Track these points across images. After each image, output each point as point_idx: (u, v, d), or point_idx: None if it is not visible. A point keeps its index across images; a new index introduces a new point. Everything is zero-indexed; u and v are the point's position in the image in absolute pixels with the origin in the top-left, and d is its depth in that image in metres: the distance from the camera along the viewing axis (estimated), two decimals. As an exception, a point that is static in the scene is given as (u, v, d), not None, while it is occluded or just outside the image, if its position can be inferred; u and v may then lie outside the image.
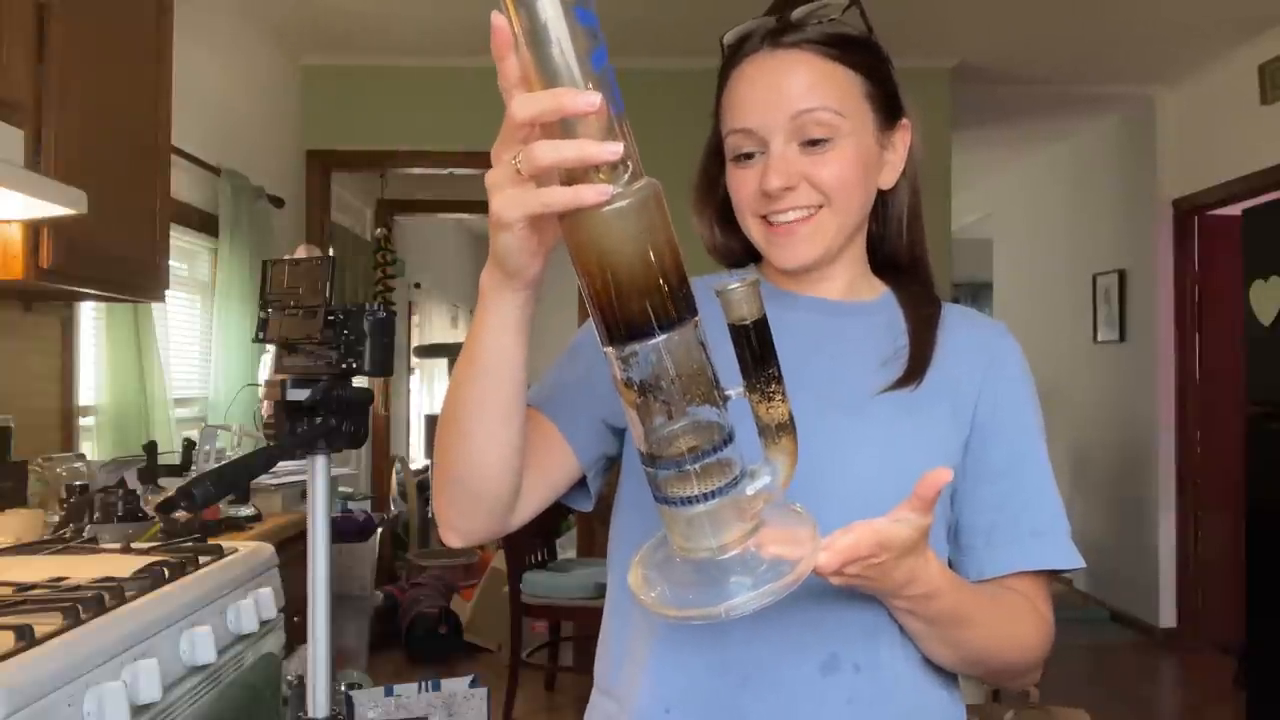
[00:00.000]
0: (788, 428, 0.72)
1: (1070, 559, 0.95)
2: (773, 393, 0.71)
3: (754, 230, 0.97)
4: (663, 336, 0.65)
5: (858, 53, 0.94)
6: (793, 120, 0.91)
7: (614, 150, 0.62)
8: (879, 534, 0.77)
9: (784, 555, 0.71)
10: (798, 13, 0.93)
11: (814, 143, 0.92)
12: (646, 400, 0.66)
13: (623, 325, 0.65)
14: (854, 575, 0.78)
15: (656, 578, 0.71)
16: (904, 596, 0.83)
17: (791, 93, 0.91)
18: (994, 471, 0.95)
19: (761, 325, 0.70)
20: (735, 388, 0.70)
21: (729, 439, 0.69)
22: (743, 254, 1.05)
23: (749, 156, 0.94)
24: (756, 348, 0.70)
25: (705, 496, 0.68)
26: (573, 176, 0.64)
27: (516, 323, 0.78)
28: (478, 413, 0.83)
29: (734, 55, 0.96)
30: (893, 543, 0.77)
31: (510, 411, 0.83)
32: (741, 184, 0.95)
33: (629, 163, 0.64)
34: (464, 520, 0.90)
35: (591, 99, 0.61)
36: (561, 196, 0.64)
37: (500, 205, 0.68)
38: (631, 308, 0.64)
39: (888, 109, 0.96)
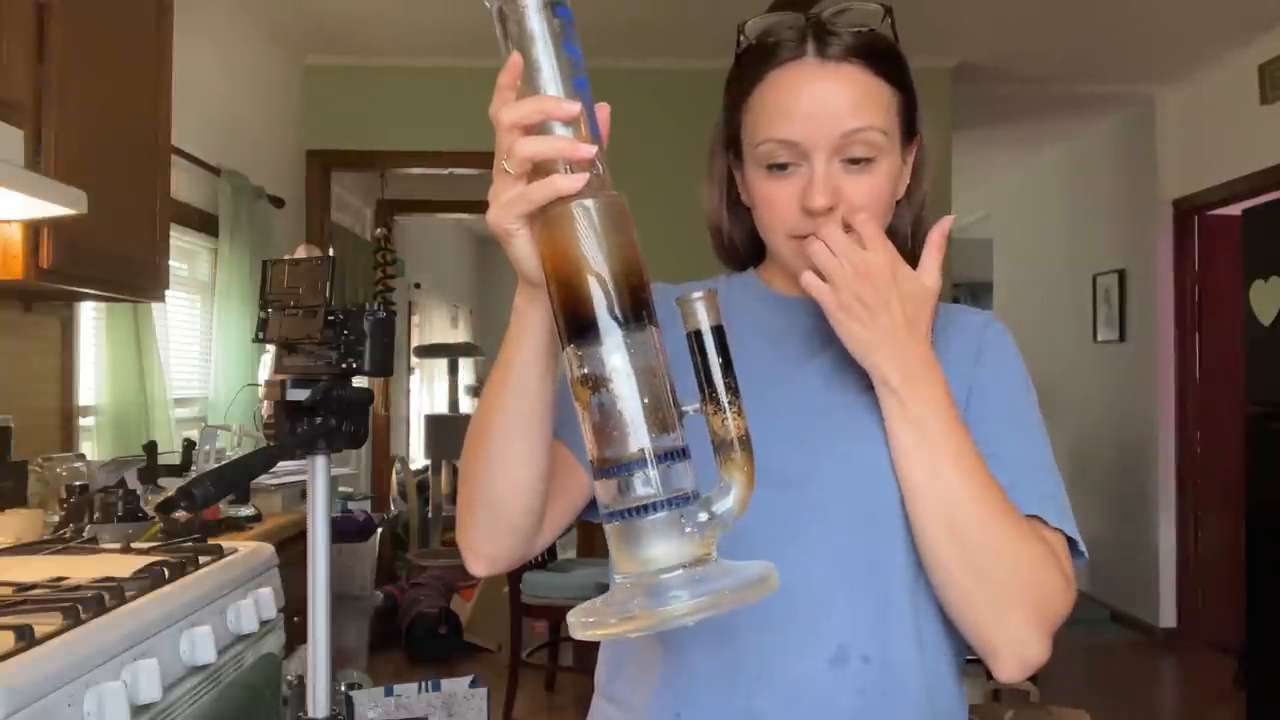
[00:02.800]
0: (744, 444, 0.70)
1: (1062, 519, 0.91)
2: (728, 404, 0.70)
3: (784, 249, 0.94)
4: (614, 338, 0.65)
5: (895, 66, 0.93)
6: (841, 139, 0.89)
7: (589, 149, 0.67)
8: (898, 256, 0.88)
9: (732, 579, 0.65)
10: (829, 11, 0.90)
11: (855, 160, 0.90)
12: (599, 402, 0.66)
13: (575, 320, 0.66)
14: (870, 282, 0.86)
15: (594, 608, 0.68)
16: (906, 364, 0.87)
17: (840, 110, 0.89)
18: (989, 439, 0.92)
19: (718, 334, 0.70)
20: (692, 404, 0.69)
21: (683, 453, 0.67)
22: (744, 244, 1.04)
23: (783, 167, 0.92)
24: (713, 357, 0.70)
25: (654, 507, 0.65)
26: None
27: (548, 335, 0.79)
28: (507, 431, 0.83)
29: (769, 56, 0.92)
30: (904, 270, 0.87)
31: (539, 428, 0.83)
32: (776, 197, 0.93)
33: (600, 173, 0.68)
34: (490, 545, 0.90)
35: (572, 106, 0.66)
36: (541, 187, 0.67)
37: (494, 215, 0.72)
38: (584, 302, 0.65)
39: (910, 123, 0.96)
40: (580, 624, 0.66)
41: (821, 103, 0.90)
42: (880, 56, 0.92)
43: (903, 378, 0.87)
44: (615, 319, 0.65)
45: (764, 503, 0.84)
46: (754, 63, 0.94)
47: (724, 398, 0.70)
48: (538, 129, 0.68)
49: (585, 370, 0.66)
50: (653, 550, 0.66)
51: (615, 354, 0.65)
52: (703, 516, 0.67)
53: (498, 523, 0.88)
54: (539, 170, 0.68)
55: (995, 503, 0.86)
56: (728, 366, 0.71)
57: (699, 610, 0.63)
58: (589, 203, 0.66)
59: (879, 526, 0.90)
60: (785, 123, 0.91)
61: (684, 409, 0.68)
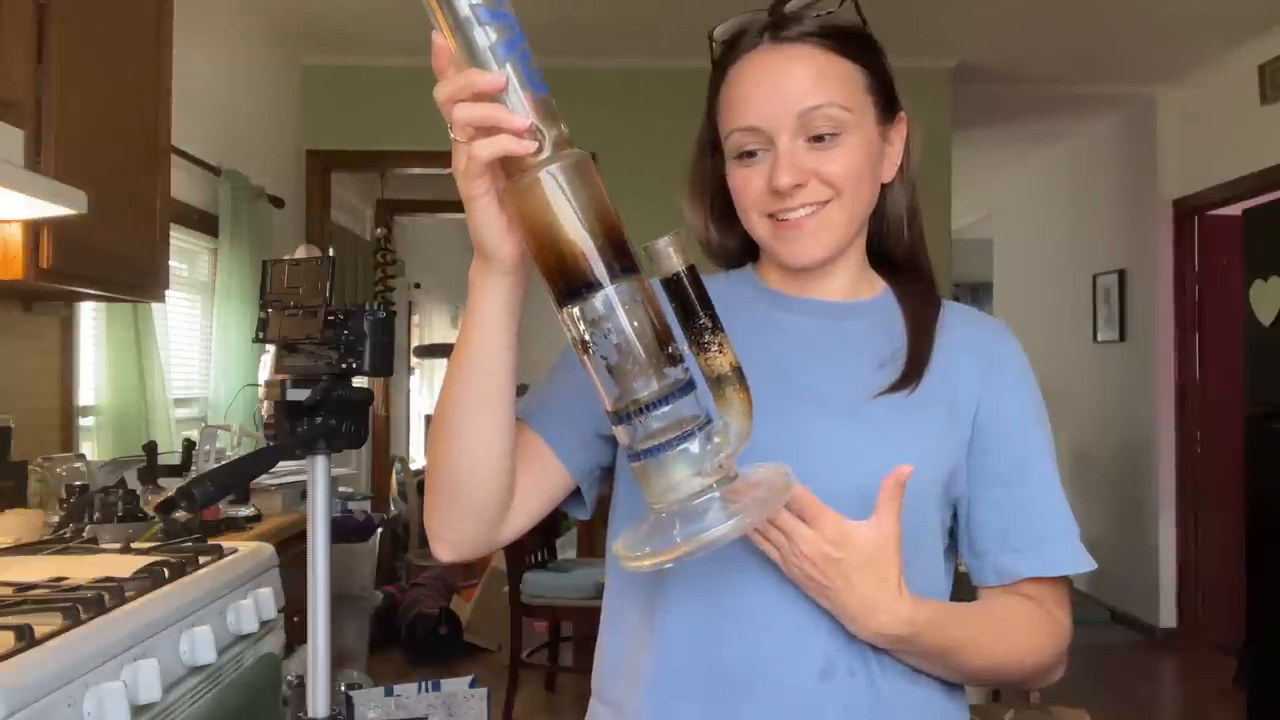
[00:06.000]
0: (732, 379, 0.73)
1: (1082, 562, 0.95)
2: (708, 343, 0.73)
3: (759, 228, 0.95)
4: (606, 290, 0.68)
5: (857, 46, 0.93)
6: (800, 118, 0.90)
7: (521, 120, 0.68)
8: (843, 524, 0.80)
9: (758, 491, 0.72)
10: (792, 5, 0.92)
11: (820, 138, 0.90)
12: (602, 354, 0.69)
13: (566, 282, 0.68)
14: (812, 564, 0.81)
15: (638, 540, 0.72)
16: (880, 634, 0.85)
17: (797, 89, 0.90)
18: (1001, 476, 0.95)
19: (692, 275, 0.73)
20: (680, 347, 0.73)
21: (690, 385, 0.71)
22: (739, 253, 1.04)
23: (752, 154, 0.92)
24: (689, 298, 0.73)
25: (671, 443, 0.69)
26: (506, 166, 0.71)
27: (502, 308, 0.80)
28: (467, 406, 0.83)
29: (730, 50, 0.95)
30: (853, 539, 0.81)
31: (498, 404, 0.83)
32: (746, 182, 0.93)
33: (546, 134, 0.70)
34: (453, 529, 0.89)
35: (495, 79, 0.68)
36: (486, 145, 0.70)
37: (459, 185, 0.74)
38: (571, 263, 0.68)
39: (887, 103, 0.95)
40: (627, 557, 0.71)
41: (775, 84, 0.91)
42: (839, 35, 0.92)
43: (887, 644, 0.87)
44: (602, 273, 0.68)
45: None
46: (721, 61, 0.96)
47: (708, 336, 0.73)
48: (477, 99, 0.69)
49: (584, 327, 0.69)
50: (678, 480, 0.70)
51: (608, 306, 0.68)
52: (715, 443, 0.71)
53: (459, 505, 0.88)
54: (487, 133, 0.70)
55: (995, 646, 0.92)
56: (706, 304, 0.73)
57: (733, 531, 0.68)
58: (554, 168, 0.68)
59: None
60: (746, 110, 0.92)
61: (683, 350, 0.72)
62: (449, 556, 0.91)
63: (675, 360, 0.70)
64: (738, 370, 0.73)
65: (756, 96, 0.91)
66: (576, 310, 0.68)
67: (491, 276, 0.79)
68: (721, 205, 1.00)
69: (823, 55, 0.91)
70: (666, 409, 0.69)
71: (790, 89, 0.90)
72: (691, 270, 0.73)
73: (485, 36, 0.68)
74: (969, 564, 0.98)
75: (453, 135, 0.72)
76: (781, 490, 0.72)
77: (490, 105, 0.69)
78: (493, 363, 0.82)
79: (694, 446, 0.69)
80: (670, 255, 0.72)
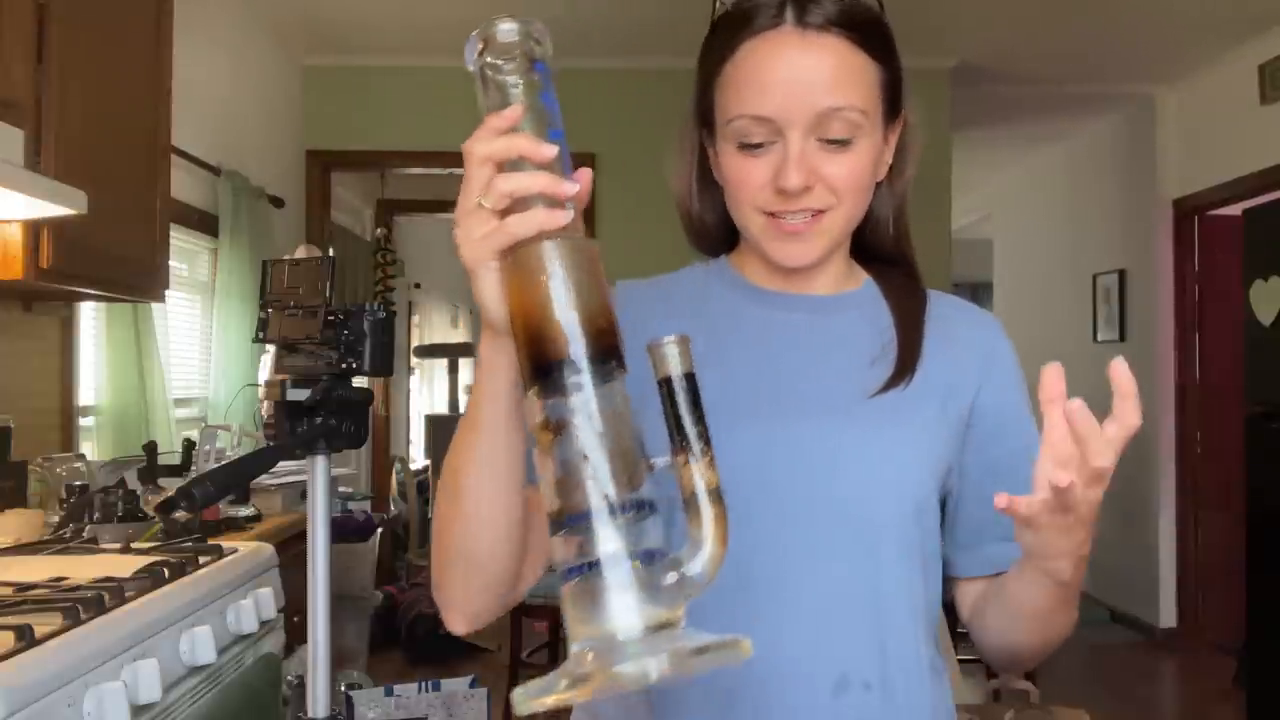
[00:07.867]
0: (716, 498, 0.65)
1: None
2: (697, 456, 0.65)
3: (753, 225, 0.90)
4: (585, 379, 0.62)
5: (879, 39, 0.88)
6: (818, 116, 0.84)
7: (571, 185, 0.65)
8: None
9: (702, 641, 0.59)
10: None
11: (833, 140, 0.85)
12: (560, 449, 0.62)
13: (545, 363, 0.62)
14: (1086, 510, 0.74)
15: (547, 675, 0.60)
16: (1086, 556, 0.79)
17: (819, 86, 0.84)
18: (996, 470, 0.93)
19: (689, 381, 0.66)
20: (661, 456, 0.64)
21: (650, 507, 0.61)
22: (715, 228, 0.99)
23: (757, 145, 0.86)
24: (684, 406, 0.65)
25: (617, 563, 0.59)
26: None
27: (513, 381, 0.74)
28: (482, 482, 0.79)
29: (744, 25, 0.87)
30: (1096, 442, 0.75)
31: (511, 476, 0.79)
32: (746, 174, 0.87)
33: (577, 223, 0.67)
34: (469, 603, 0.87)
35: (549, 149, 0.65)
36: (523, 220, 0.64)
37: (471, 252, 0.67)
38: (556, 344, 0.62)
39: (893, 102, 0.91)
40: (523, 694, 0.58)
41: (798, 75, 0.84)
42: (863, 26, 0.86)
43: (1075, 574, 0.81)
44: (582, 362, 0.62)
45: (760, 526, 0.81)
46: (729, 32, 0.88)
47: (696, 447, 0.65)
48: (511, 168, 0.66)
49: (548, 415, 0.62)
50: (614, 612, 0.58)
51: (580, 399, 0.61)
52: (670, 578, 0.60)
53: (475, 579, 0.84)
54: (513, 208, 0.66)
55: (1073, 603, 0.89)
56: (699, 415, 0.66)
57: (660, 671, 0.56)
58: (562, 241, 0.63)
59: (878, 550, 0.88)
60: (759, 97, 0.85)
61: (653, 461, 0.63)
62: (465, 629, 0.88)
63: (638, 478, 0.62)
64: (719, 492, 0.65)
65: (773, 84, 0.84)
66: (544, 396, 0.62)
67: (504, 351, 0.72)
68: (704, 173, 0.96)
69: (847, 49, 0.85)
70: (617, 527, 0.60)
71: (812, 83, 0.84)
72: (690, 378, 0.66)
73: (543, 116, 0.68)
74: (952, 556, 0.96)
75: (476, 200, 0.66)
76: (731, 645, 0.58)
77: (542, 175, 0.65)
78: (507, 436, 0.77)
79: (640, 577, 0.59)
80: (673, 357, 0.66)
